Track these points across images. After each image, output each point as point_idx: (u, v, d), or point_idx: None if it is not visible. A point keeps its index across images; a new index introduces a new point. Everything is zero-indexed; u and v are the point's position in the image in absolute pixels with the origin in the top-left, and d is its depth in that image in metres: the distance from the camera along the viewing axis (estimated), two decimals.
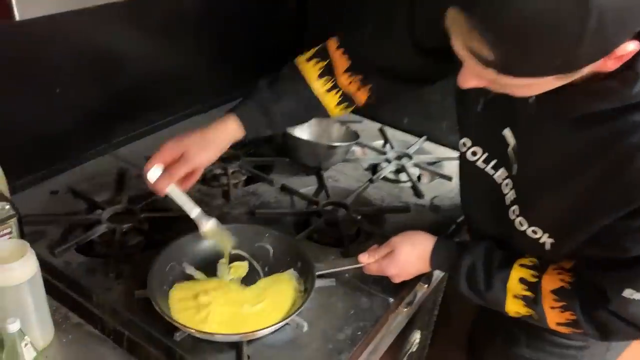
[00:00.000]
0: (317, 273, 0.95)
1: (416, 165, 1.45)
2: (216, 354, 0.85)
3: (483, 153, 0.89)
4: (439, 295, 1.41)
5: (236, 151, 1.36)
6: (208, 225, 0.96)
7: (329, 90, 0.98)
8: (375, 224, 1.21)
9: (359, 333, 0.92)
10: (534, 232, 0.82)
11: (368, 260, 0.96)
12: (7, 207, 0.80)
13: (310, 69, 0.98)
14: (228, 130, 0.93)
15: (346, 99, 1.01)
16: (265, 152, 1.42)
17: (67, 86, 1.17)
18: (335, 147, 1.33)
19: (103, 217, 1.08)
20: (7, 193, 0.93)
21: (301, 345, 0.89)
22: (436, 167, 1.45)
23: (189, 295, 0.93)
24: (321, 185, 1.31)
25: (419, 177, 1.45)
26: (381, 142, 1.57)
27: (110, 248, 1.04)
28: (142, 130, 1.38)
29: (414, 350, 1.36)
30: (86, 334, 0.91)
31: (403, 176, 1.42)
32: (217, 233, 0.97)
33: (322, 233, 1.17)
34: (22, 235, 0.83)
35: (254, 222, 1.14)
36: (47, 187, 1.17)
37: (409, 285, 1.06)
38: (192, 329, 0.83)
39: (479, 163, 0.90)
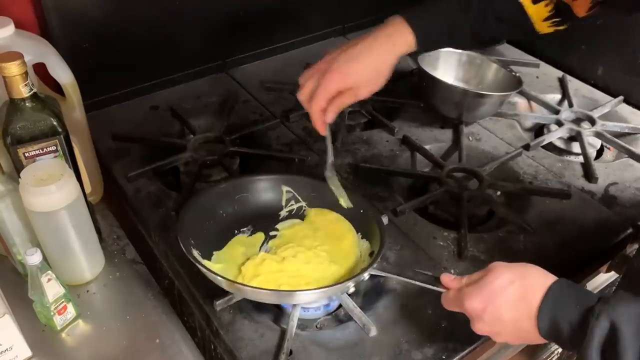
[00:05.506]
0: (370, 271, 0.70)
1: (599, 134, 1.06)
2: (255, 337, 0.69)
3: None
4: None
5: None
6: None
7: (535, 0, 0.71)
8: (515, 207, 0.90)
9: (444, 357, 0.68)
10: None
11: (451, 283, 0.64)
12: (55, 122, 0.70)
13: None
14: (397, 46, 0.72)
15: (559, 11, 0.73)
16: (396, 91, 1.15)
17: None
18: (483, 95, 1.02)
19: (190, 143, 0.96)
20: (79, 104, 0.85)
21: (360, 354, 0.68)
22: (627, 142, 1.05)
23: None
24: (456, 143, 1.02)
25: (599, 152, 1.07)
26: (557, 96, 1.19)
27: (190, 180, 0.92)
28: (263, 50, 1.21)
29: None
30: (136, 274, 0.82)
31: (575, 147, 1.06)
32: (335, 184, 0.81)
33: (439, 207, 0.91)
34: (72, 156, 0.74)
35: (356, 177, 0.93)
36: (150, 101, 1.09)
37: None
38: (231, 280, 0.68)
39: None
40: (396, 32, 0.72)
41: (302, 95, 0.74)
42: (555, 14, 0.73)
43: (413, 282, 0.68)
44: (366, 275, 0.70)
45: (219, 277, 0.67)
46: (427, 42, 0.74)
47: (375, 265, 0.70)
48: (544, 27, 0.75)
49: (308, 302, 0.72)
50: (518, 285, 0.56)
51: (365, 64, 0.72)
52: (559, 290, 0.54)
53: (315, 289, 0.68)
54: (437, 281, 0.66)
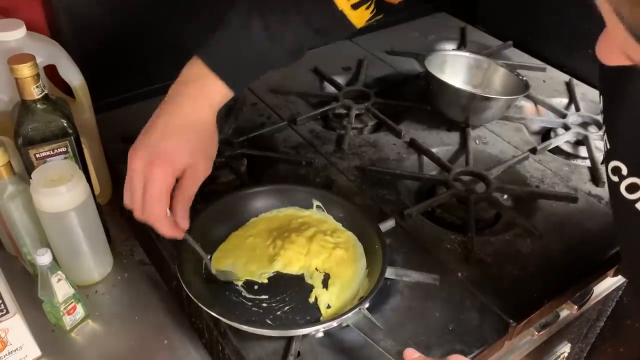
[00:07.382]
0: (339, 321, 0.68)
1: None
2: (263, 339, 0.69)
3: None
4: (607, 306, 1.07)
5: (368, 90, 1.14)
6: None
7: (356, 6, 0.66)
8: (522, 211, 0.90)
9: None
10: None
11: (412, 356, 0.61)
12: (65, 124, 0.70)
13: None
14: (209, 101, 0.64)
15: (381, 7, 0.70)
16: (403, 94, 1.16)
17: None
18: (490, 99, 1.02)
19: None
20: (88, 106, 0.85)
21: (367, 355, 0.68)
22: None
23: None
24: (463, 146, 1.02)
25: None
26: (564, 100, 1.19)
27: None
28: None
29: None
30: (144, 275, 0.83)
31: (582, 151, 1.06)
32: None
33: (447, 210, 0.91)
34: (82, 157, 0.75)
35: (363, 180, 0.93)
36: (158, 103, 1.08)
37: (547, 304, 0.77)
38: (228, 321, 0.67)
39: None
40: (203, 87, 0.63)
41: (137, 212, 0.62)
42: (376, 13, 0.70)
43: (377, 346, 0.64)
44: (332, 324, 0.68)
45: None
46: (240, 85, 0.66)
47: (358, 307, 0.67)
48: (363, 23, 0.71)
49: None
50: None
51: (186, 137, 0.62)
52: None
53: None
54: (399, 354, 0.62)
